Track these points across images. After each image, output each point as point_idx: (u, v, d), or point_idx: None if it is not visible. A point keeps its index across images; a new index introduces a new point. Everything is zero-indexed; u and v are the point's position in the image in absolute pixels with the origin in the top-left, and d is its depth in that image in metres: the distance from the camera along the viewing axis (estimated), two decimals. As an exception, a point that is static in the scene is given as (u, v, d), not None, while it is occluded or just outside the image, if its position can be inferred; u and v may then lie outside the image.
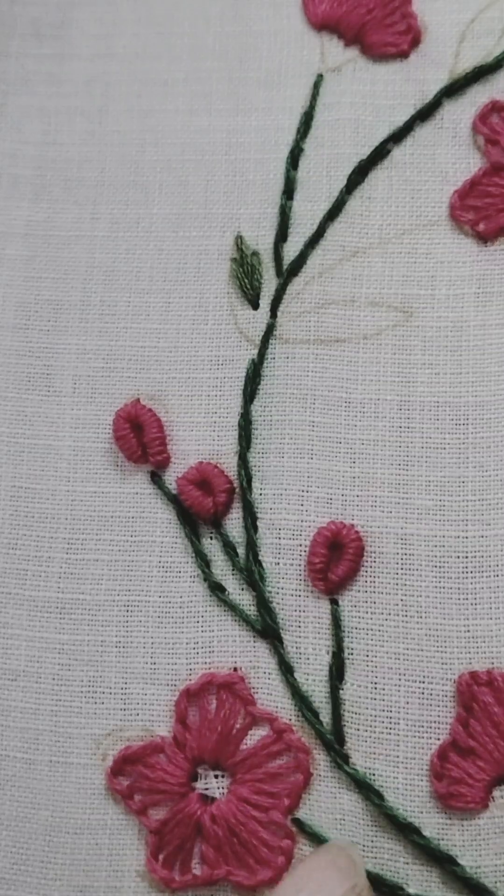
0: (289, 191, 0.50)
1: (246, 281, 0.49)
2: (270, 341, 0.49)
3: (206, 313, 0.50)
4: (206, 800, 0.44)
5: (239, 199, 0.51)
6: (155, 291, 0.50)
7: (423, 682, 0.43)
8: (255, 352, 0.48)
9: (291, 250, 0.50)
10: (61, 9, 0.56)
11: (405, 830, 0.42)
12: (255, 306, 0.49)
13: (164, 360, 0.49)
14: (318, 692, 0.44)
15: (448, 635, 0.43)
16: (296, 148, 0.51)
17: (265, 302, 0.49)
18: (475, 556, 0.44)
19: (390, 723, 0.43)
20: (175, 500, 0.47)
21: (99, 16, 0.56)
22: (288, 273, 0.49)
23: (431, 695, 0.43)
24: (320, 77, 0.52)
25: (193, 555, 0.47)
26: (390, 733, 0.43)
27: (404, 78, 0.51)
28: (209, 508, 0.46)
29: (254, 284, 0.49)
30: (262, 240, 0.50)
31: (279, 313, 0.49)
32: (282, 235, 0.50)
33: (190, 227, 0.51)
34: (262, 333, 0.49)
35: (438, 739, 0.43)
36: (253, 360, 0.48)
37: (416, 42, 0.52)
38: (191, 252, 0.51)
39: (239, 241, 0.50)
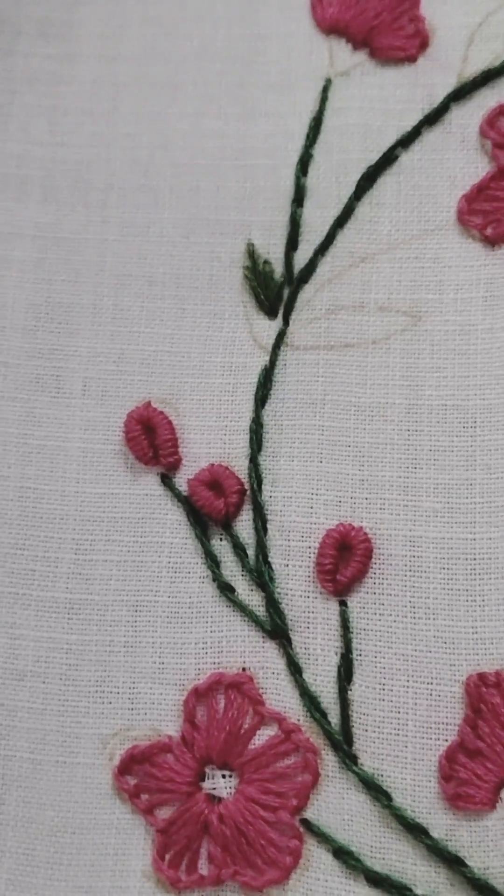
0: (299, 198, 0.50)
1: (261, 290, 0.49)
2: (282, 347, 0.49)
3: (222, 321, 0.50)
4: (214, 799, 0.44)
5: (250, 205, 0.51)
6: (168, 297, 0.50)
7: (432, 684, 0.43)
8: (267, 358, 0.49)
9: (302, 258, 0.50)
10: (67, 9, 0.56)
11: (413, 831, 0.42)
12: (274, 315, 0.49)
13: (177, 365, 0.49)
14: (326, 693, 0.44)
15: (456, 637, 0.44)
16: (305, 154, 0.51)
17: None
18: (483, 558, 0.44)
19: (399, 724, 0.43)
20: (186, 502, 0.47)
21: (105, 16, 0.55)
22: (298, 280, 0.49)
23: (440, 696, 0.43)
24: (329, 81, 0.52)
25: (203, 555, 0.47)
26: (398, 734, 0.43)
27: (412, 82, 0.51)
28: (220, 510, 0.46)
29: (268, 294, 0.49)
30: (272, 248, 0.50)
31: (291, 320, 0.49)
32: (292, 244, 0.50)
33: (201, 233, 0.51)
34: (274, 340, 0.49)
35: (447, 741, 0.43)
36: (265, 365, 0.48)
37: (424, 46, 0.52)
38: (203, 258, 0.51)
39: (251, 249, 0.50)
